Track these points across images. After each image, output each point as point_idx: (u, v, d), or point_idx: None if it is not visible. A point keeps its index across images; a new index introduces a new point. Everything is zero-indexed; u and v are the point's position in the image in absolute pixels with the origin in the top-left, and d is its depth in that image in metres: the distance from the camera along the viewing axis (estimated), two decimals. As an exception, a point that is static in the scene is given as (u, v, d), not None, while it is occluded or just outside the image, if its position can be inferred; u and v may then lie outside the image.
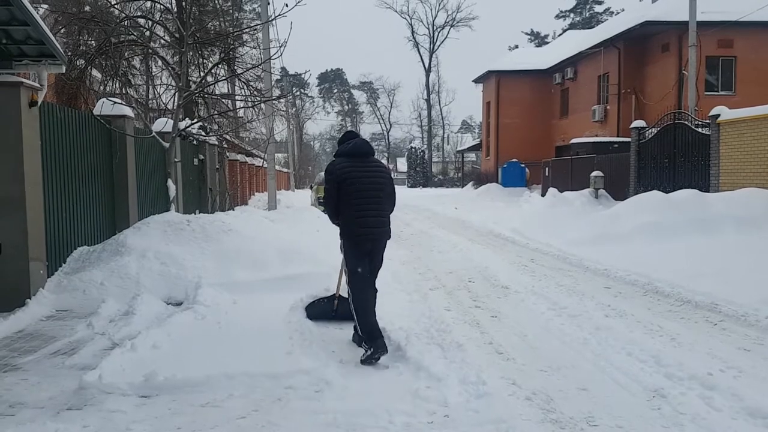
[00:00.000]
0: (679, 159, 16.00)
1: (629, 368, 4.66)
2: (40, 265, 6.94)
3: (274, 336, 5.35)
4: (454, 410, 3.86)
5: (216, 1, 17.03)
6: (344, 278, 5.56)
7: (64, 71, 8.01)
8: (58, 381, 4.42)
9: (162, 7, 13.71)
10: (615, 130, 24.45)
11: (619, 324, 6.01)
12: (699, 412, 3.83)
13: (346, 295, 5.57)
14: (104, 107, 9.22)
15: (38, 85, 6.98)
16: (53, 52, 6.85)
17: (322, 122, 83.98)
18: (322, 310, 6.07)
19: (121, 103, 9.70)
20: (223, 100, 17.07)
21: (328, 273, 7.41)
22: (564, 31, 53.35)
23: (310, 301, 6.19)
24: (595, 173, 18.84)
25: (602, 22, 48.74)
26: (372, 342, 4.84)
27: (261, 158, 26.66)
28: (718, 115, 14.21)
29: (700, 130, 15.21)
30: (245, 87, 15.89)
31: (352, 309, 5.16)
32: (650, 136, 17.58)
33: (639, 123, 18.39)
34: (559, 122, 31.26)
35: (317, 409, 3.85)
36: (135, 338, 5.05)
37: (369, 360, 4.79)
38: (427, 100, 64.88)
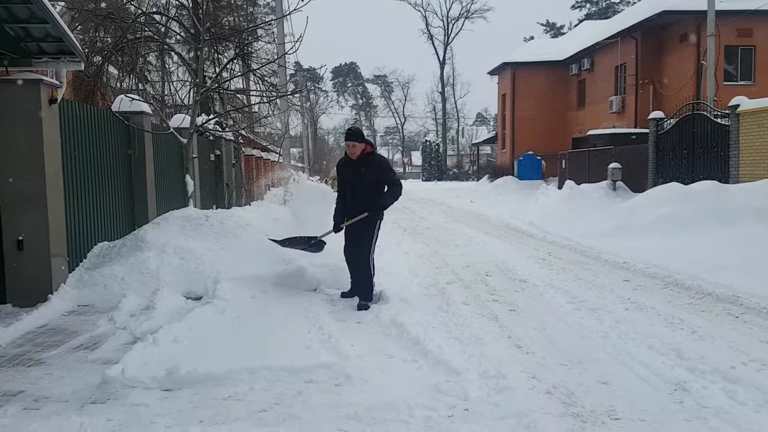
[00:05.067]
0: (698, 150, 15.82)
1: (650, 362, 4.63)
2: (61, 261, 7.02)
3: (292, 330, 5.38)
4: (475, 404, 3.85)
5: (230, -4, 17.06)
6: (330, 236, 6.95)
7: (82, 68, 8.08)
8: (82, 375, 4.48)
9: (177, 2, 13.78)
10: (633, 121, 24.24)
11: (639, 317, 5.97)
12: (722, 406, 3.80)
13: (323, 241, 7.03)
14: (122, 104, 9.28)
15: (57, 83, 7.05)
16: (72, 50, 6.91)
17: (337, 116, 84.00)
18: (296, 241, 7.09)
19: (139, 100, 9.77)
20: (239, 96, 17.13)
21: (344, 268, 7.42)
22: (580, 21, 52.79)
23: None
24: (612, 165, 18.68)
25: (619, 12, 48.12)
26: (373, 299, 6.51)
27: (276, 153, 26.75)
28: (738, 106, 14.03)
29: (719, 120, 15.03)
30: (260, 82, 15.95)
31: (372, 274, 6.54)
32: (668, 127, 17.40)
33: (657, 114, 18.20)
34: (575, 114, 31.02)
35: (338, 403, 3.86)
36: (156, 332, 5.09)
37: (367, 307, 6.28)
38: (442, 93, 64.64)
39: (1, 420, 3.64)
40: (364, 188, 6.48)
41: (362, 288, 6.54)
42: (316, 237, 6.98)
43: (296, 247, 7.18)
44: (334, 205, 6.88)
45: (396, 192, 6.53)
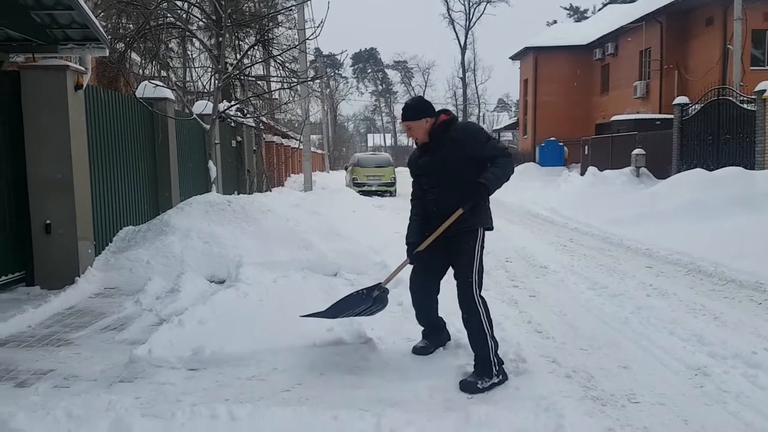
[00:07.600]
0: (723, 136, 15.57)
1: (671, 347, 4.62)
2: (88, 245, 7.16)
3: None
4: (494, 387, 3.88)
5: (251, -18, 17.06)
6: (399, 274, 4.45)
7: (107, 54, 8.18)
8: (109, 355, 4.59)
9: (199, -11, 13.81)
10: (657, 106, 23.88)
11: (661, 303, 5.95)
12: (743, 390, 3.79)
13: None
14: (146, 90, 9.39)
15: (83, 69, 7.16)
16: (97, 36, 7.00)
17: (356, 103, 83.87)
18: (349, 303, 4.50)
19: (163, 86, 9.87)
20: (259, 82, 17.19)
21: (364, 253, 7.49)
22: (604, 5, 51.92)
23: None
24: (636, 151, 18.45)
25: (643, -5, 47.30)
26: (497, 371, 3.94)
27: (296, 140, 26.85)
28: (764, 91, 13.76)
29: (745, 106, 14.76)
30: (281, 68, 15.99)
31: (486, 326, 3.96)
32: (693, 112, 17.13)
33: (682, 99, 17.91)
34: (599, 99, 30.61)
35: (359, 384, 3.91)
36: (182, 314, 5.19)
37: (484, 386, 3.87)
38: (463, 79, 64.11)
39: (33, 397, 3.75)
40: (452, 182, 4.06)
41: (476, 352, 3.98)
42: (380, 284, 4.46)
43: (351, 314, 4.53)
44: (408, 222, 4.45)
45: (506, 166, 4.01)
